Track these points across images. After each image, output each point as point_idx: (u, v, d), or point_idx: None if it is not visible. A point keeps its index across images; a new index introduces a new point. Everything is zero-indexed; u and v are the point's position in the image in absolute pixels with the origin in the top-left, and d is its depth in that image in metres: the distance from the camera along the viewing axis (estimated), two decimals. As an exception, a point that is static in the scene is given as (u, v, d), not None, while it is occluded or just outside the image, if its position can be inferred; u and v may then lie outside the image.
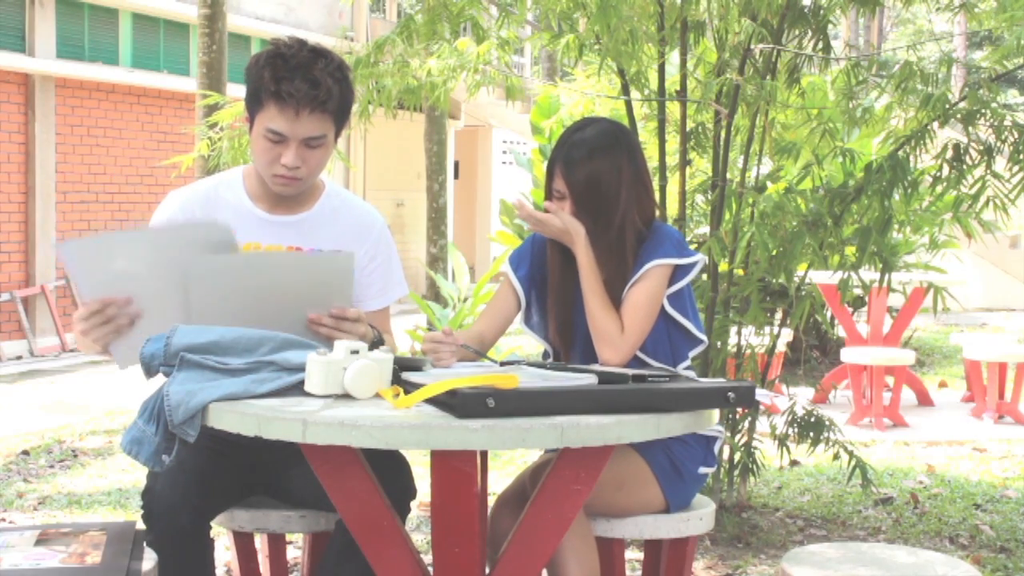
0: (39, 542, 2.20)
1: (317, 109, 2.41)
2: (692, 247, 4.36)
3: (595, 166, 2.55)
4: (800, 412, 4.27)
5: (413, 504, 2.49)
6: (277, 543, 2.73)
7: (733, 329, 4.33)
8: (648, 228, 2.62)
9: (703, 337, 2.66)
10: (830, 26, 4.29)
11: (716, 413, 2.23)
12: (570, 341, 2.67)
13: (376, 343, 2.45)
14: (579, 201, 2.56)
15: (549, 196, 2.62)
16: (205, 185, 2.65)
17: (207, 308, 2.30)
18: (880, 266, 3.97)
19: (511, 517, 2.27)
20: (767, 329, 4.54)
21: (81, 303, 2.32)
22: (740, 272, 4.37)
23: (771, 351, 4.48)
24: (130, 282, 2.30)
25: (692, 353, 2.66)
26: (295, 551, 3.73)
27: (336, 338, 2.31)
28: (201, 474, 2.44)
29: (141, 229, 2.52)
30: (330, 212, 2.63)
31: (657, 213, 2.68)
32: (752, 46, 4.02)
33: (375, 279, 2.67)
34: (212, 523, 2.50)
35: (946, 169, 3.95)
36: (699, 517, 2.64)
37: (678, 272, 2.59)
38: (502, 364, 2.49)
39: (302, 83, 2.39)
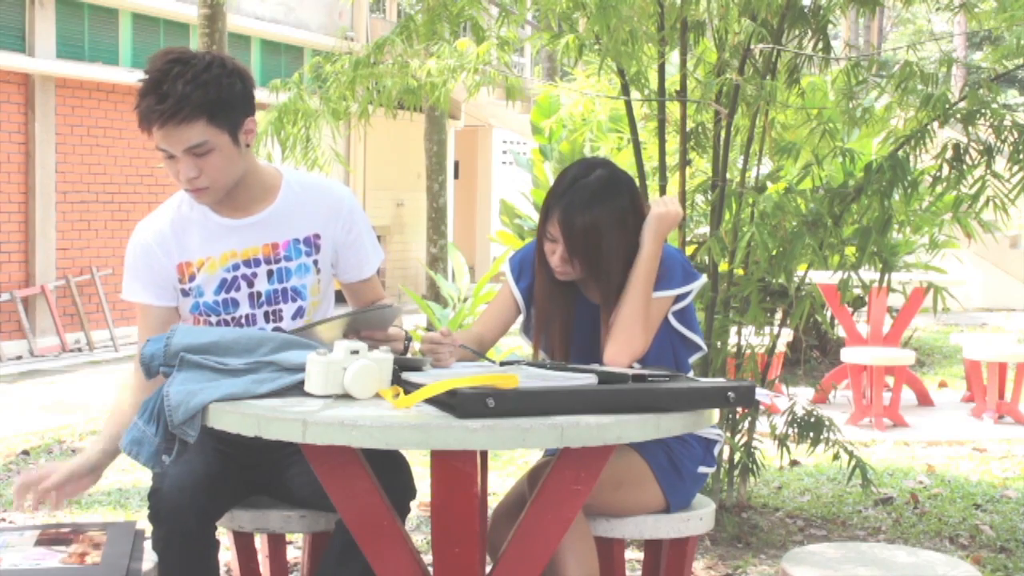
0: (39, 542, 2.20)
1: (169, 121, 2.36)
2: (692, 247, 4.39)
3: (595, 217, 2.52)
4: (800, 412, 4.27)
5: (413, 504, 2.49)
6: (277, 543, 2.73)
7: (733, 329, 4.33)
8: None
9: (703, 346, 2.69)
10: (830, 26, 4.29)
11: (716, 413, 2.23)
12: (566, 354, 2.68)
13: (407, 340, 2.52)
14: (573, 249, 2.53)
15: (543, 236, 2.59)
16: (168, 208, 2.62)
17: None
18: (880, 266, 3.97)
19: (511, 526, 2.27)
20: (767, 329, 4.54)
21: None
22: (740, 272, 4.37)
23: (771, 351, 4.48)
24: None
25: (692, 359, 2.68)
26: (295, 551, 3.73)
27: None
28: (208, 476, 2.44)
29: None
30: (295, 199, 2.60)
31: None
32: (752, 46, 4.02)
33: (357, 250, 2.67)
34: (212, 523, 2.51)
35: (946, 169, 3.94)
36: (699, 517, 2.64)
37: (680, 294, 2.62)
38: (502, 364, 2.49)
39: (150, 100, 2.36)
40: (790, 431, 4.27)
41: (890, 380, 6.66)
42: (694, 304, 2.69)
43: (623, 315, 2.51)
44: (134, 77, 11.67)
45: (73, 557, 2.12)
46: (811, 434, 4.23)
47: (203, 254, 2.55)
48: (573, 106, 5.42)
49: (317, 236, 2.60)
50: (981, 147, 3.89)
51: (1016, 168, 3.81)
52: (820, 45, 4.29)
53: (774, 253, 3.89)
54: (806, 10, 4.20)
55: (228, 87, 2.42)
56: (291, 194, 2.61)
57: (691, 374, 2.70)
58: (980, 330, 11.54)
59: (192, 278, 2.55)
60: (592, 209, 2.52)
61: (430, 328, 8.19)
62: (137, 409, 2.32)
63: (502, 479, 5.03)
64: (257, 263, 2.56)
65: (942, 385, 8.03)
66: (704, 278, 2.67)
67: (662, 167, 4.21)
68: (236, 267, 2.55)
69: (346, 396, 2.12)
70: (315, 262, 2.60)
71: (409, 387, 2.13)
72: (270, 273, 2.57)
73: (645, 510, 2.60)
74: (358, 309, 2.61)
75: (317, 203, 2.62)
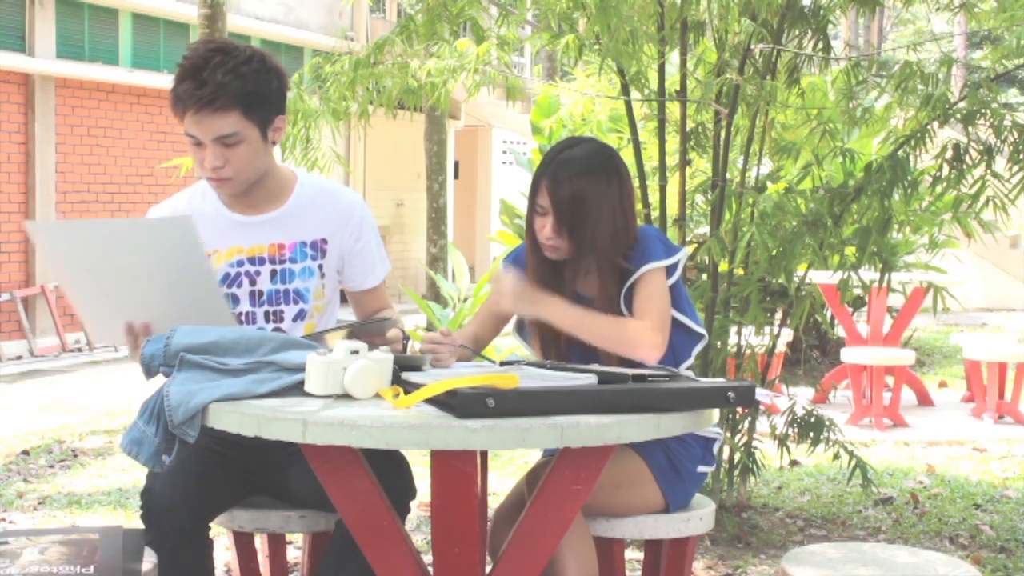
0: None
1: (205, 108, 2.38)
2: (692, 247, 4.39)
3: (582, 184, 2.52)
4: (800, 412, 4.27)
5: (413, 504, 2.49)
6: (277, 543, 2.73)
7: (733, 329, 4.33)
8: (630, 248, 2.59)
9: (702, 331, 2.65)
10: (830, 26, 4.29)
11: (716, 413, 2.23)
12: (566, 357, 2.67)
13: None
14: (561, 218, 2.53)
15: (532, 211, 2.59)
16: (181, 198, 2.66)
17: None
18: (880, 266, 3.97)
19: (511, 528, 2.27)
20: (767, 329, 4.54)
21: (55, 276, 2.38)
22: (740, 272, 4.37)
23: (771, 351, 4.48)
24: (92, 267, 2.34)
25: (695, 351, 2.65)
26: (295, 551, 3.73)
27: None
28: (200, 475, 2.44)
29: (109, 220, 2.56)
30: (306, 202, 2.62)
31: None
32: (752, 46, 4.02)
33: (364, 259, 2.67)
34: (212, 523, 2.51)
35: (946, 169, 3.95)
36: (699, 517, 2.64)
37: (668, 270, 2.59)
38: (502, 364, 2.49)
39: (188, 84, 2.38)
40: (790, 431, 4.28)
41: (890, 380, 6.66)
42: (685, 287, 2.66)
43: (607, 348, 2.46)
44: (134, 77, 11.67)
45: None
46: (811, 434, 4.23)
47: (210, 246, 2.56)
48: (573, 106, 5.43)
49: (324, 241, 2.61)
50: (981, 147, 3.89)
51: (1016, 168, 3.81)
52: (820, 45, 4.29)
53: (774, 253, 3.89)
54: (806, 10, 4.20)
55: (265, 82, 2.45)
56: (303, 197, 2.62)
57: (690, 362, 2.66)
58: (980, 330, 11.54)
59: None
60: (579, 178, 2.52)
61: (430, 328, 8.19)
62: None
63: (502, 479, 5.03)
64: (261, 262, 2.57)
65: (942, 385, 8.03)
66: (687, 249, 2.65)
67: (662, 167, 4.21)
68: (240, 263, 2.57)
69: (346, 396, 2.12)
70: (320, 266, 2.61)
71: (409, 387, 2.13)
72: (273, 273, 2.58)
73: (644, 510, 2.59)
74: (358, 321, 2.62)
75: (328, 208, 2.63)
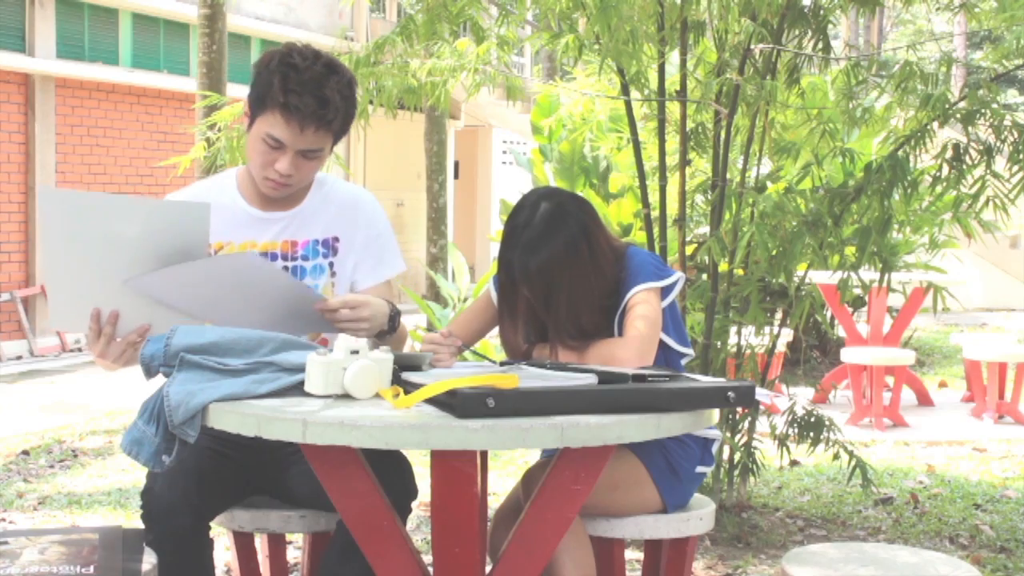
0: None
1: (323, 127, 2.43)
2: (692, 247, 4.38)
3: (548, 263, 2.51)
4: (800, 412, 4.27)
5: (413, 504, 2.49)
6: (277, 543, 2.73)
7: (733, 329, 4.33)
8: (619, 265, 2.59)
9: (687, 351, 2.65)
10: (830, 26, 4.29)
11: (716, 413, 2.23)
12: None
13: (394, 316, 2.48)
14: (538, 299, 2.55)
15: (519, 290, 2.58)
16: (198, 189, 2.68)
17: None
18: (880, 266, 3.97)
19: (511, 529, 2.27)
20: (767, 329, 4.54)
21: (42, 252, 2.33)
22: (740, 272, 4.37)
23: (771, 351, 4.48)
24: (90, 244, 2.27)
25: (683, 362, 2.67)
26: (295, 551, 3.73)
27: (350, 328, 2.34)
28: (200, 474, 2.44)
29: (127, 197, 2.49)
30: (320, 201, 2.65)
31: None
32: (752, 46, 4.02)
33: (369, 255, 2.67)
34: (212, 523, 2.51)
35: (946, 169, 3.95)
36: (699, 517, 2.64)
37: (663, 292, 2.59)
38: (502, 364, 2.49)
39: (311, 99, 2.39)
40: (790, 431, 4.28)
41: (890, 380, 6.66)
42: (676, 308, 2.66)
43: (600, 364, 2.46)
44: (134, 77, 11.68)
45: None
46: (811, 434, 4.23)
47: (224, 238, 2.57)
48: (573, 106, 5.43)
49: (336, 239, 2.63)
50: (981, 147, 3.89)
51: (1016, 168, 3.81)
52: (820, 45, 4.29)
53: (774, 253, 3.89)
54: (806, 10, 4.20)
55: (355, 106, 2.52)
56: (317, 196, 2.65)
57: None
58: (980, 330, 11.54)
59: None
60: (541, 251, 2.51)
61: (430, 328, 8.19)
62: None
63: (502, 479, 5.03)
64: (274, 257, 2.59)
65: (942, 385, 8.04)
66: (681, 275, 2.65)
67: (662, 167, 4.21)
68: None
69: (346, 396, 2.12)
70: (331, 264, 2.62)
71: (409, 387, 2.13)
72: (285, 269, 2.58)
73: (641, 511, 2.59)
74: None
75: (341, 207, 2.65)
